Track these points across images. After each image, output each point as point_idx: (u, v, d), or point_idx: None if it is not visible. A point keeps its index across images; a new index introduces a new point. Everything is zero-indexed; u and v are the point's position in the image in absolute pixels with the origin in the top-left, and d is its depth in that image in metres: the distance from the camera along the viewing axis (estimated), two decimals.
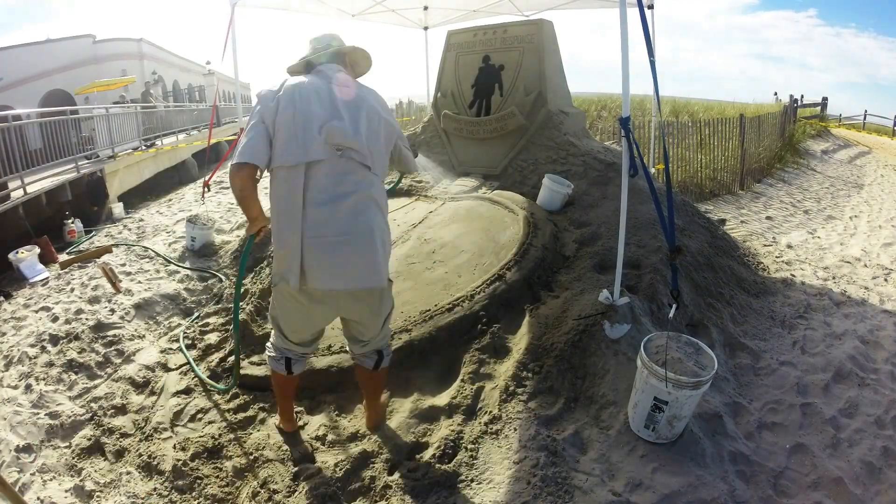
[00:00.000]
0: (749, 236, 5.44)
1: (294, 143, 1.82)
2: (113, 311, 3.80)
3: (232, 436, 2.51)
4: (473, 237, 3.53)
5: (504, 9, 6.02)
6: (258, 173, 1.88)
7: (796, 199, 7.83)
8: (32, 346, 3.36)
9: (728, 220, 6.02)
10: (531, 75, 4.47)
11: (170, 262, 4.84)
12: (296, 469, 2.22)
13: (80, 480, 2.35)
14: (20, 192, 6.03)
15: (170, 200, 9.03)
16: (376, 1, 5.67)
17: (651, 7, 5.19)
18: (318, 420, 2.55)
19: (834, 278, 4.18)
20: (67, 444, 2.58)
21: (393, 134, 2.03)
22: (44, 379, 3.04)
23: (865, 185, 9.07)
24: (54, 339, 3.42)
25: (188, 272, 4.59)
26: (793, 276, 4.13)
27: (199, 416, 2.71)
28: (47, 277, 4.58)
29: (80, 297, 4.00)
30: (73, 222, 6.18)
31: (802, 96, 17.06)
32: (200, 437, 2.53)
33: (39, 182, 6.63)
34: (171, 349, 3.42)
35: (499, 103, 4.59)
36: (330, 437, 2.41)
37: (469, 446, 2.17)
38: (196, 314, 3.90)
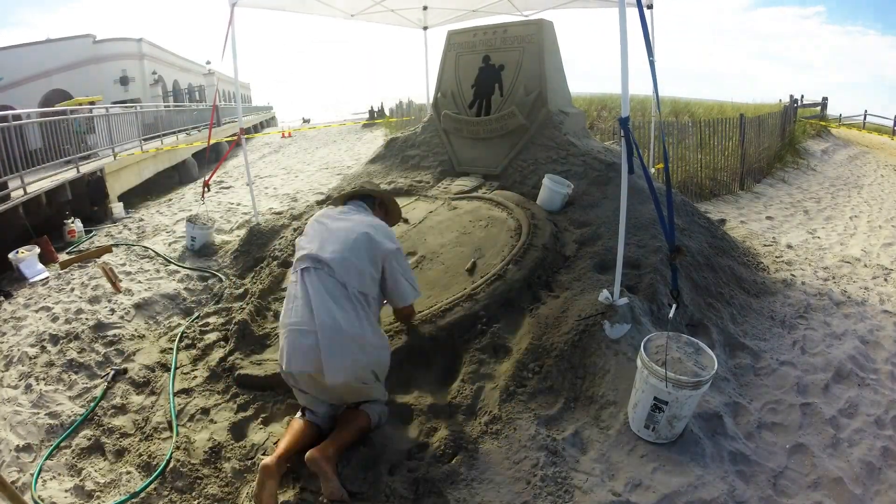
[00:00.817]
0: (749, 236, 5.44)
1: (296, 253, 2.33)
2: (113, 310, 3.80)
3: (230, 436, 2.51)
4: (473, 237, 3.53)
5: (504, 9, 6.02)
6: None
7: (796, 199, 7.82)
8: (32, 345, 3.36)
9: (728, 220, 6.02)
10: (531, 75, 4.47)
11: (170, 261, 4.85)
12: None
13: (81, 480, 2.35)
14: (20, 192, 6.03)
15: (170, 200, 9.04)
16: (376, 1, 5.67)
17: (650, 7, 5.19)
18: None
19: (834, 278, 4.18)
20: (68, 443, 2.58)
21: (376, 251, 2.24)
22: (44, 379, 3.04)
23: (865, 185, 9.06)
24: (54, 339, 3.42)
25: (188, 272, 4.59)
26: (793, 276, 4.13)
27: (199, 416, 2.71)
28: (47, 277, 4.58)
29: (80, 297, 4.00)
30: (73, 222, 6.18)
31: (802, 96, 17.06)
32: (200, 437, 2.53)
33: (39, 182, 6.63)
34: (171, 349, 3.42)
35: (499, 103, 4.59)
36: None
37: (469, 446, 2.17)
38: (196, 314, 3.90)
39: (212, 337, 3.44)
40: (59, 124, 7.47)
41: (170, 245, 5.37)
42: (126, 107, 11.68)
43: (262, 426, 2.57)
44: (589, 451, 2.13)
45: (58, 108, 8.21)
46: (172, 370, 3.13)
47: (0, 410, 2.76)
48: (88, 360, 3.23)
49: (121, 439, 2.60)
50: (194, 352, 3.32)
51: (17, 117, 6.64)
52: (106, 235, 6.27)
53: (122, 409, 2.84)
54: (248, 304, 3.57)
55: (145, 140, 11.01)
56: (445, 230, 3.71)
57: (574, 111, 4.85)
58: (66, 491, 2.28)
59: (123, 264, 4.75)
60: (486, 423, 2.26)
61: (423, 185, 4.66)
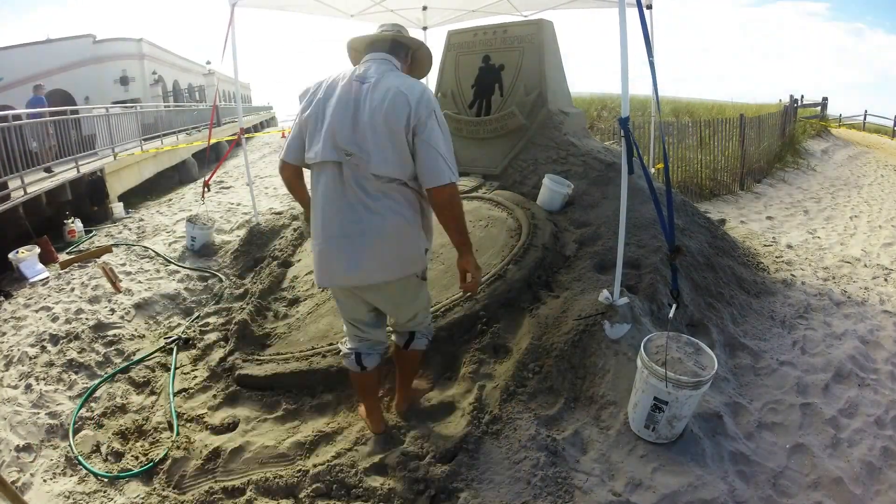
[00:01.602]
0: (749, 236, 5.44)
1: (311, 142, 1.90)
2: (113, 310, 3.80)
3: (227, 437, 2.51)
4: (473, 237, 3.53)
5: (503, 9, 6.01)
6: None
7: (796, 199, 7.82)
8: (32, 345, 3.36)
9: (728, 220, 6.02)
10: (531, 75, 4.47)
11: (170, 261, 4.85)
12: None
13: (80, 480, 2.35)
14: (20, 192, 6.03)
15: (170, 200, 9.04)
16: (375, 1, 5.67)
17: (650, 7, 5.19)
18: (319, 420, 2.55)
19: (834, 278, 4.18)
20: (67, 443, 2.58)
21: (402, 131, 1.79)
22: (44, 379, 3.04)
23: (865, 185, 9.06)
24: (54, 339, 3.42)
25: (188, 272, 4.60)
26: (793, 276, 4.13)
27: (199, 416, 2.71)
28: (47, 277, 4.58)
29: (80, 297, 4.00)
30: (73, 222, 6.18)
31: (802, 96, 17.07)
32: (199, 437, 2.53)
33: (39, 182, 6.63)
34: (172, 349, 3.43)
35: (499, 103, 4.59)
36: (331, 436, 2.41)
37: (469, 446, 2.17)
38: (196, 314, 3.90)
39: (212, 337, 3.44)
40: (58, 124, 7.47)
41: (170, 245, 5.37)
42: (126, 107, 11.68)
43: (260, 426, 2.57)
44: (589, 451, 2.13)
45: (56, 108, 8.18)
46: (172, 371, 3.14)
47: (0, 410, 2.76)
48: (88, 360, 3.23)
49: (121, 439, 2.60)
50: (194, 352, 3.33)
51: (17, 117, 6.64)
52: (106, 235, 6.27)
53: (122, 409, 2.84)
54: (248, 304, 3.58)
55: (145, 140, 11.01)
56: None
57: (574, 111, 4.85)
58: (66, 491, 2.28)
59: (123, 264, 4.75)
60: (486, 423, 2.26)
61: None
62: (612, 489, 1.94)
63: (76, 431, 2.66)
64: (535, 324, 2.74)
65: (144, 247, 5.30)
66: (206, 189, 5.72)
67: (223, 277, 4.44)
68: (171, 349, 3.33)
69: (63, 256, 5.24)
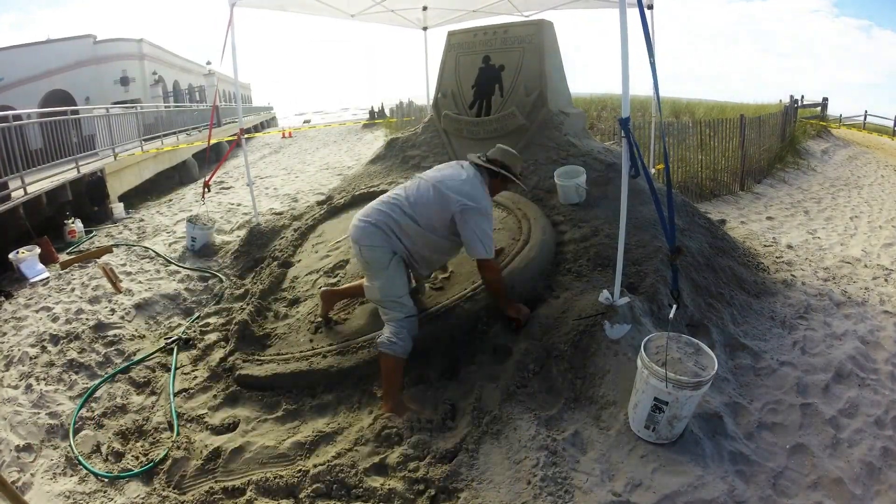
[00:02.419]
0: (749, 236, 5.44)
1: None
2: (113, 311, 3.80)
3: (227, 437, 2.51)
4: None
5: (503, 9, 6.02)
6: None
7: (796, 200, 7.82)
8: (33, 346, 3.36)
9: (728, 221, 6.01)
10: (531, 75, 4.47)
11: (170, 262, 4.85)
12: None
13: (81, 480, 2.35)
14: (20, 192, 6.03)
15: (170, 200, 9.05)
16: (375, 1, 5.67)
17: (651, 7, 5.19)
18: (319, 420, 2.55)
19: (834, 279, 4.18)
20: (68, 443, 2.58)
21: (447, 207, 2.49)
22: (44, 379, 3.04)
23: (865, 185, 9.06)
24: (54, 339, 3.42)
25: (188, 272, 4.60)
26: (793, 276, 4.13)
27: (200, 417, 2.71)
28: (47, 277, 4.58)
29: (81, 297, 4.00)
30: (73, 222, 6.19)
31: (803, 97, 17.06)
32: (199, 437, 2.53)
33: (40, 182, 6.63)
34: (172, 349, 3.43)
35: (499, 104, 4.59)
36: (331, 436, 2.42)
37: (469, 446, 2.17)
38: (196, 314, 3.90)
39: (212, 337, 3.45)
40: (59, 124, 7.47)
41: (170, 245, 5.37)
42: (126, 107, 11.68)
43: (259, 425, 2.57)
44: (589, 451, 2.13)
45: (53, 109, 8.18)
46: (173, 371, 3.14)
47: (0, 410, 2.77)
48: (89, 361, 3.23)
49: (121, 439, 2.61)
50: (195, 352, 3.33)
51: (17, 117, 6.64)
52: (106, 236, 6.28)
53: (122, 409, 2.84)
54: (248, 304, 3.58)
55: (145, 140, 11.02)
56: None
57: (574, 111, 4.85)
58: (67, 491, 2.28)
59: (124, 264, 4.75)
60: (486, 423, 2.26)
61: None
62: (612, 489, 1.94)
63: (76, 431, 2.66)
64: (535, 324, 2.74)
65: (145, 247, 5.30)
66: (206, 189, 5.72)
67: (223, 278, 4.44)
68: (172, 349, 3.34)
69: (63, 256, 5.24)
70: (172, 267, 4.74)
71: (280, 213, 5.77)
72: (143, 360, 3.28)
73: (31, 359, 3.23)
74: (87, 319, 3.64)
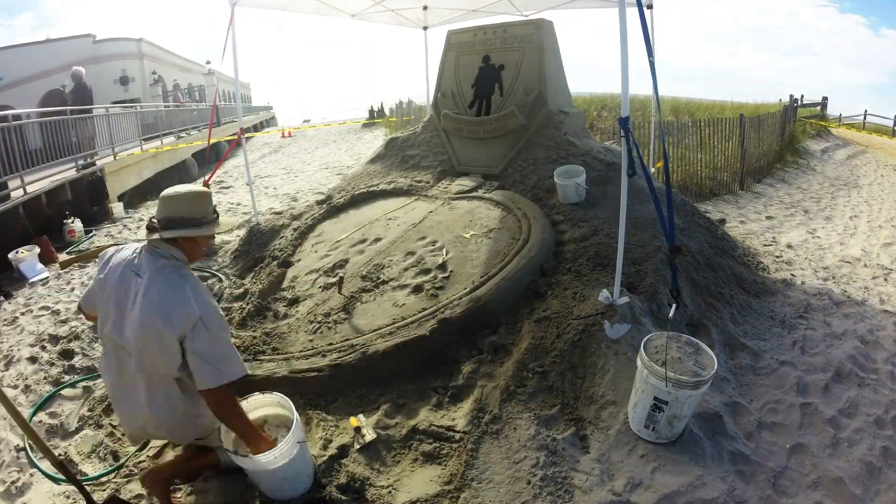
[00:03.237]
0: (749, 236, 5.44)
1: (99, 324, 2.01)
2: None
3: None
4: (473, 237, 3.53)
5: (503, 9, 6.02)
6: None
7: (796, 199, 7.82)
8: (32, 345, 3.36)
9: (728, 220, 6.01)
10: (531, 75, 4.47)
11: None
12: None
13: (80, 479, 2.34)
14: (20, 192, 6.03)
15: None
16: (375, 1, 5.67)
17: (650, 7, 5.19)
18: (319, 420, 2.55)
19: (834, 278, 4.18)
20: (68, 443, 2.58)
21: (167, 335, 1.79)
22: (44, 379, 3.04)
23: (865, 185, 9.06)
24: (54, 339, 3.42)
25: None
26: (793, 275, 4.13)
27: None
28: (47, 277, 4.58)
29: (80, 297, 4.00)
30: (73, 222, 6.18)
31: (802, 96, 17.05)
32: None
33: (39, 182, 6.63)
34: None
35: (499, 103, 4.59)
36: (331, 437, 2.41)
37: (469, 446, 2.17)
38: None
39: None
40: (59, 124, 7.47)
41: None
42: (126, 107, 11.66)
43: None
44: (589, 451, 2.13)
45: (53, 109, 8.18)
46: None
47: (0, 410, 2.76)
48: (89, 361, 3.23)
49: (121, 440, 2.60)
50: None
51: (17, 117, 6.64)
52: (106, 235, 6.27)
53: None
54: (247, 304, 3.57)
55: (145, 140, 11.01)
56: (445, 230, 3.71)
57: (574, 111, 4.85)
58: (66, 491, 2.28)
59: None
60: (486, 423, 2.26)
61: (423, 184, 4.66)
62: (612, 489, 1.94)
63: (77, 431, 2.66)
64: (534, 324, 2.74)
65: None
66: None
67: (223, 277, 4.44)
68: None
69: (63, 256, 5.24)
70: None
71: (280, 213, 5.76)
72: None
73: (30, 359, 3.22)
74: (86, 319, 3.63)
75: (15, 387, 2.98)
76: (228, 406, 1.88)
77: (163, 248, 1.92)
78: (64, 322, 3.63)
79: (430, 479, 2.10)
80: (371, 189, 4.83)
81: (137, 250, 1.97)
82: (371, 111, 20.57)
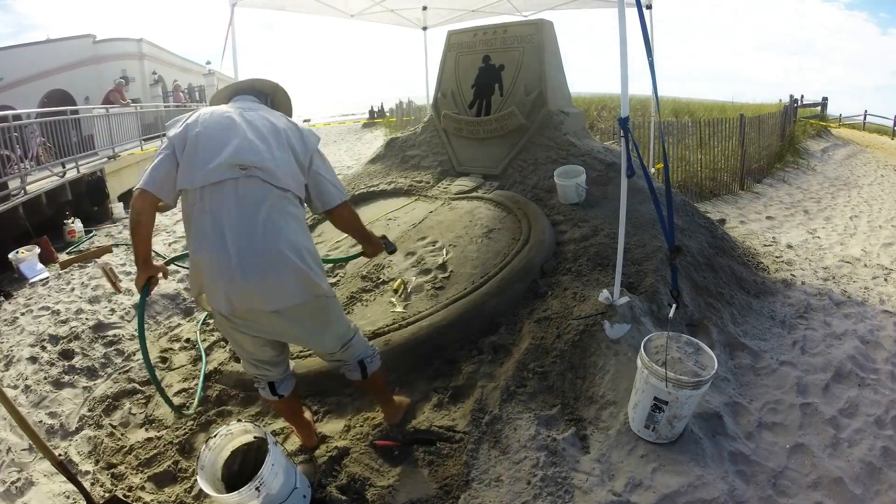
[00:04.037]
0: (749, 236, 5.44)
1: (196, 165, 1.71)
2: (113, 311, 3.80)
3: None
4: (473, 237, 3.53)
5: (503, 9, 6.02)
6: (161, 203, 1.75)
7: (796, 199, 7.82)
8: (32, 345, 3.36)
9: (728, 220, 6.02)
10: (531, 75, 4.47)
11: (170, 261, 4.84)
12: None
13: (80, 479, 2.35)
14: (20, 192, 6.03)
15: None
16: (375, 1, 5.67)
17: (650, 7, 5.19)
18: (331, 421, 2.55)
19: (834, 278, 4.18)
20: (68, 443, 2.58)
21: (302, 155, 1.85)
22: (44, 379, 3.04)
23: (865, 185, 9.06)
24: (54, 339, 3.42)
25: (188, 272, 4.59)
26: (793, 276, 4.13)
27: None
28: (47, 277, 4.58)
29: (80, 297, 4.01)
30: (73, 222, 6.18)
31: (802, 96, 17.05)
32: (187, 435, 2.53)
33: (39, 182, 6.63)
34: (172, 349, 3.43)
35: (499, 103, 4.59)
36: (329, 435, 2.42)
37: (469, 446, 2.17)
38: (205, 315, 3.87)
39: (213, 337, 3.44)
40: (59, 124, 7.47)
41: (170, 245, 5.37)
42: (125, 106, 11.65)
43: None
44: (589, 451, 2.13)
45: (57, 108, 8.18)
46: (203, 363, 3.13)
47: (0, 410, 2.76)
48: (89, 361, 3.23)
49: (120, 439, 2.60)
50: (194, 352, 3.33)
51: (17, 117, 6.64)
52: (106, 235, 6.28)
53: (122, 409, 2.84)
54: None
55: (145, 140, 11.01)
56: (445, 230, 3.71)
57: (574, 111, 4.85)
58: (66, 491, 2.28)
59: (123, 264, 4.75)
60: (486, 423, 2.26)
61: (423, 185, 4.66)
62: (612, 489, 1.94)
63: (77, 431, 2.66)
64: (535, 324, 2.74)
65: None
66: None
67: None
68: None
69: (63, 256, 5.24)
70: (172, 267, 4.73)
71: None
72: None
73: (30, 359, 3.22)
74: (86, 319, 3.64)
75: (15, 387, 2.98)
76: (355, 215, 2.09)
77: (257, 100, 1.99)
78: (64, 322, 3.64)
79: (431, 479, 2.10)
80: (371, 189, 4.84)
81: (229, 105, 1.92)
82: (371, 111, 20.59)
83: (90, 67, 19.21)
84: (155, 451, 2.47)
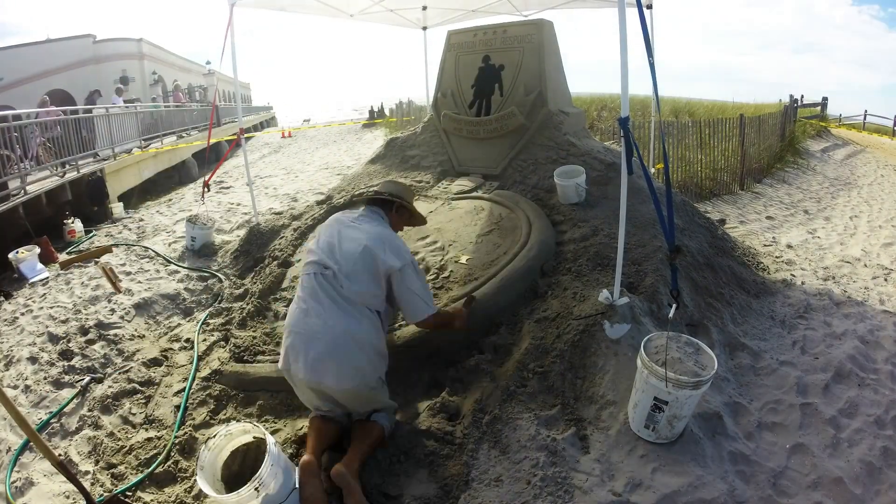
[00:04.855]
0: (749, 236, 5.44)
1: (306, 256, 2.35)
2: (113, 310, 3.80)
3: (204, 434, 2.51)
4: (473, 237, 3.53)
5: (503, 9, 6.02)
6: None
7: (796, 199, 7.83)
8: (32, 345, 3.36)
9: (728, 220, 6.02)
10: (531, 75, 4.47)
11: (170, 261, 4.85)
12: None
13: (80, 479, 2.34)
14: (20, 193, 6.03)
15: (170, 200, 9.04)
16: (375, 1, 5.67)
17: (650, 7, 5.19)
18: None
19: (834, 278, 4.18)
20: (68, 443, 2.58)
21: (379, 266, 2.20)
22: (44, 379, 3.04)
23: (865, 184, 9.07)
24: (54, 339, 3.42)
25: (188, 272, 4.60)
26: (793, 276, 4.13)
27: (198, 416, 2.71)
28: (47, 277, 4.58)
29: (80, 297, 4.00)
30: (73, 222, 6.18)
31: (802, 96, 17.06)
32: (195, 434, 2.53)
33: (39, 182, 6.63)
34: (172, 349, 3.43)
35: (499, 103, 4.59)
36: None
37: (469, 446, 2.17)
38: (207, 312, 3.87)
39: (213, 337, 3.45)
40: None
41: (170, 245, 5.37)
42: (126, 107, 11.66)
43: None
44: (589, 451, 2.13)
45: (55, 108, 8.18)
46: (195, 363, 3.13)
47: (0, 410, 2.76)
48: (89, 361, 3.23)
49: (120, 439, 2.60)
50: (202, 346, 3.33)
51: (17, 117, 6.64)
52: (106, 235, 6.28)
53: (122, 408, 2.84)
54: (248, 304, 3.58)
55: (145, 140, 11.01)
56: (445, 230, 3.71)
57: (574, 111, 4.85)
58: (66, 491, 2.28)
59: (123, 264, 4.75)
60: (486, 423, 2.26)
61: (423, 185, 4.66)
62: (612, 489, 1.94)
63: (77, 431, 2.66)
64: (535, 324, 2.74)
65: (144, 247, 5.30)
66: (205, 189, 5.73)
67: (223, 277, 4.44)
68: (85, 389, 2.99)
69: (63, 256, 5.24)
70: (172, 267, 4.73)
71: (280, 213, 5.76)
72: (59, 410, 2.83)
73: (30, 359, 3.22)
74: (86, 319, 3.63)
75: (15, 387, 2.98)
76: (444, 321, 2.39)
77: (377, 212, 2.47)
78: (64, 322, 3.63)
79: (431, 479, 2.10)
80: (371, 189, 4.84)
81: (353, 214, 2.47)
82: (371, 111, 20.60)
83: (90, 67, 19.23)
84: (155, 451, 2.47)
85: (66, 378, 3.07)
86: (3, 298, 4.25)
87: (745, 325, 3.25)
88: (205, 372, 3.06)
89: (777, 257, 4.68)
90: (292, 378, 2.20)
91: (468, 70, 4.82)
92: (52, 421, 2.72)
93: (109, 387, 3.00)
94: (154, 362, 3.27)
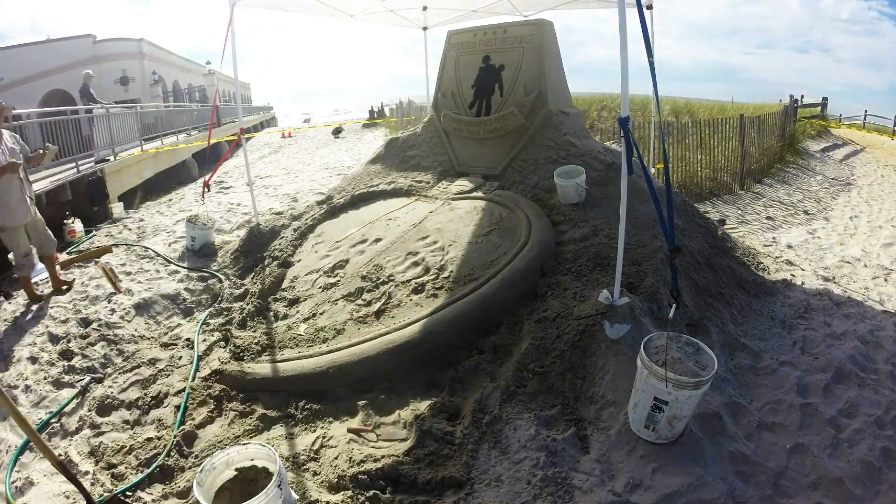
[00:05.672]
0: (749, 236, 5.44)
1: None
2: (113, 310, 3.80)
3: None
4: (473, 238, 3.53)
5: (503, 9, 6.02)
6: None
7: (796, 200, 7.82)
8: (32, 345, 3.36)
9: (728, 220, 6.01)
10: (531, 75, 4.47)
11: (170, 262, 4.84)
12: None
13: (80, 479, 2.34)
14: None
15: (170, 200, 9.03)
16: (375, 1, 5.67)
17: (650, 7, 5.19)
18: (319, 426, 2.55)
19: (834, 278, 4.18)
20: (68, 443, 2.58)
21: None
22: (44, 379, 3.04)
23: (865, 185, 9.06)
24: (54, 339, 3.42)
25: (188, 272, 4.59)
26: (793, 276, 4.13)
27: (198, 415, 2.71)
28: (47, 277, 4.57)
29: (81, 297, 4.00)
30: (73, 222, 6.17)
31: (802, 96, 17.03)
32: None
33: (39, 182, 6.62)
34: (172, 349, 3.42)
35: (499, 103, 4.59)
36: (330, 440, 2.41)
37: (469, 446, 2.17)
38: (208, 312, 3.86)
39: (213, 337, 3.44)
40: (59, 124, 7.47)
41: (170, 245, 5.37)
42: (126, 107, 11.66)
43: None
44: (589, 451, 2.13)
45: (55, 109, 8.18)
46: (194, 364, 3.13)
47: (0, 410, 2.76)
48: (89, 361, 3.23)
49: (119, 439, 2.60)
50: (203, 345, 3.33)
51: (17, 117, 6.64)
52: (106, 235, 6.27)
53: (122, 408, 2.84)
54: (247, 304, 3.58)
55: (145, 140, 11.00)
56: (445, 230, 3.71)
57: (574, 111, 4.85)
58: (65, 491, 2.28)
59: (123, 264, 4.75)
60: (486, 423, 2.26)
61: (423, 185, 4.66)
62: (612, 489, 1.94)
63: (77, 431, 2.66)
64: (534, 324, 2.74)
65: (144, 247, 5.29)
66: (206, 189, 5.72)
67: (223, 277, 4.44)
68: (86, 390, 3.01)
69: (63, 256, 5.23)
70: (172, 267, 4.73)
71: (280, 213, 5.76)
72: (59, 411, 2.84)
73: (30, 358, 3.22)
74: (86, 319, 3.63)
75: (15, 387, 2.98)
76: None
77: None
78: (64, 322, 3.63)
79: (431, 479, 2.10)
80: (371, 189, 4.83)
81: None
82: (371, 111, 20.59)
83: (90, 67, 19.21)
84: (155, 451, 2.47)
85: (66, 378, 3.07)
86: (3, 298, 4.24)
87: (745, 325, 3.25)
88: (205, 372, 3.05)
89: (777, 257, 4.67)
90: None
91: (468, 70, 4.82)
92: (52, 421, 2.72)
93: (109, 387, 3.00)
94: (154, 362, 3.27)
